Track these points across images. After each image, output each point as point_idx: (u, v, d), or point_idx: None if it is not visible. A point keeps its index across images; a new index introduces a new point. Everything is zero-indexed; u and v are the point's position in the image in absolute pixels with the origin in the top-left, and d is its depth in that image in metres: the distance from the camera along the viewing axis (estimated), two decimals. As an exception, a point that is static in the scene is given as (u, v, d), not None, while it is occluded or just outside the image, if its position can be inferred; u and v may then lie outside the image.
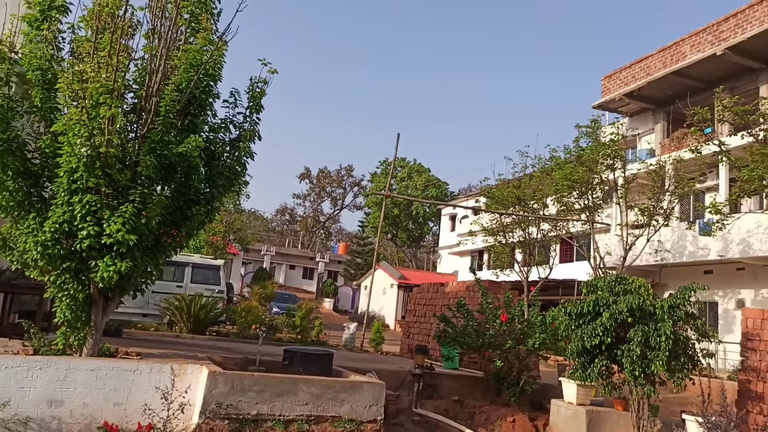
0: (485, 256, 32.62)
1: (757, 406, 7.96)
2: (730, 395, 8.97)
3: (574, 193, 18.57)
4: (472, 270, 11.68)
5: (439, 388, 10.46)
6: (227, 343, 12.88)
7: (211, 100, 7.73)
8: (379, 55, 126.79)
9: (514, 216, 21.31)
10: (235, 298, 24.76)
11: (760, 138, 13.34)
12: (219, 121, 8.05)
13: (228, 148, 8.05)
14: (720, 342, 15.51)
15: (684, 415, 7.52)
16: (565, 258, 26.04)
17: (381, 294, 35.99)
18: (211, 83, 7.66)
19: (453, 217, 41.08)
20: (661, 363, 7.21)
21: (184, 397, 6.61)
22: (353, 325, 17.51)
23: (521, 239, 21.69)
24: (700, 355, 7.88)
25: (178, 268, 17.12)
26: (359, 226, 65.01)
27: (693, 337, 8.05)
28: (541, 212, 21.09)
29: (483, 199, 25.11)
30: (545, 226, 21.35)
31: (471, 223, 26.88)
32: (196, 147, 6.94)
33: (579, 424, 8.26)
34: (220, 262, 18.87)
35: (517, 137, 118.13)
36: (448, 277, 34.31)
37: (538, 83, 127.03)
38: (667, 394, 11.98)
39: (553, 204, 20.08)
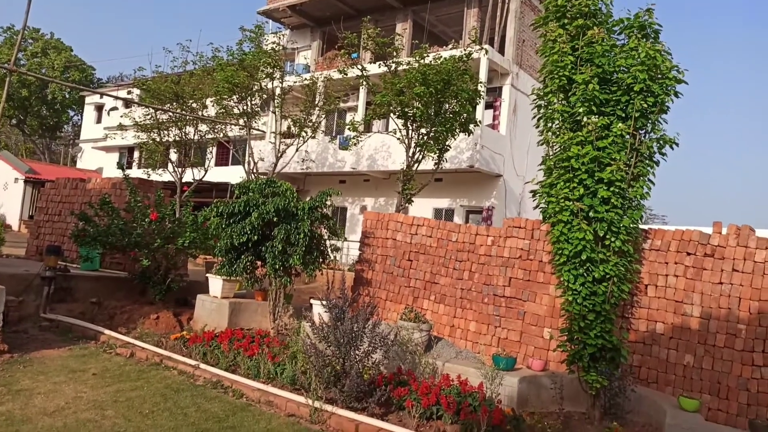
0: (136, 154, 30.39)
1: (366, 289, 9.81)
2: (348, 282, 10.85)
3: (234, 97, 18.67)
4: (121, 166, 10.91)
5: (74, 291, 9.68)
6: None
7: None
8: None
9: (171, 113, 20.27)
10: None
11: (392, 69, 15.60)
12: None
13: None
14: (345, 240, 18.30)
15: (312, 301, 8.77)
16: (221, 161, 26.25)
17: (2, 190, 30.25)
18: None
19: (100, 108, 36.62)
20: (298, 257, 8.20)
21: None
22: (-41, 225, 14.35)
23: (177, 138, 20.92)
24: (329, 250, 9.23)
25: None
26: (-30, 105, 52.02)
27: (326, 235, 9.34)
28: (200, 112, 20.59)
29: (137, 91, 22.97)
30: (203, 127, 21.02)
31: (121, 117, 24.49)
32: None
33: (222, 314, 8.83)
34: None
35: (181, 31, 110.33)
36: (90, 173, 30.98)
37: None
38: (301, 285, 13.73)
39: (213, 106, 19.80)
